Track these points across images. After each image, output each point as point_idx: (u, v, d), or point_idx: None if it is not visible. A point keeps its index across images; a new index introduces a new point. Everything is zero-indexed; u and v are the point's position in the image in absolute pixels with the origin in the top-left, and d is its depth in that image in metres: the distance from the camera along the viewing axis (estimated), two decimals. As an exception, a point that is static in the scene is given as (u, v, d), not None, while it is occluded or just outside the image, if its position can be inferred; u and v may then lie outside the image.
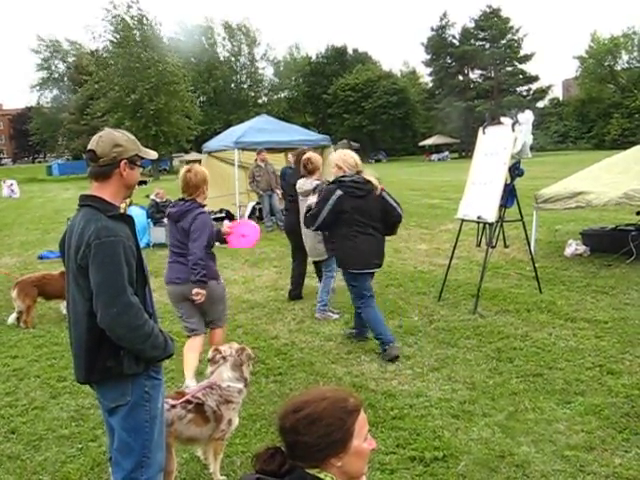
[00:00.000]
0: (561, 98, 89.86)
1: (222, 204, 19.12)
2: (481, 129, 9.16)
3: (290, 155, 15.93)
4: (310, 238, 8.45)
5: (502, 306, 8.54)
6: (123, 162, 3.31)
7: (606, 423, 5.00)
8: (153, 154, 3.57)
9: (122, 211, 3.47)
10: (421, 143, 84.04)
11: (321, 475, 2.19)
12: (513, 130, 8.37)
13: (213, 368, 4.66)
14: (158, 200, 15.86)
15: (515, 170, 8.64)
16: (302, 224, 8.03)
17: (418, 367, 6.51)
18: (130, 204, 16.12)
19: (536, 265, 9.35)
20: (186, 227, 5.98)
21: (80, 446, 5.13)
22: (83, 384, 3.58)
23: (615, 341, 6.91)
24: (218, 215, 19.25)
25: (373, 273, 7.22)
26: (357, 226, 6.82)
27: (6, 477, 4.70)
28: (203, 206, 6.15)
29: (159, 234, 15.35)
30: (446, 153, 77.97)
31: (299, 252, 9.35)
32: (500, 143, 8.62)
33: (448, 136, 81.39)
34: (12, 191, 42.47)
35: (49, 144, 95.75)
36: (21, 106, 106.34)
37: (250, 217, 19.05)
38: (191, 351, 6.22)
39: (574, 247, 11.60)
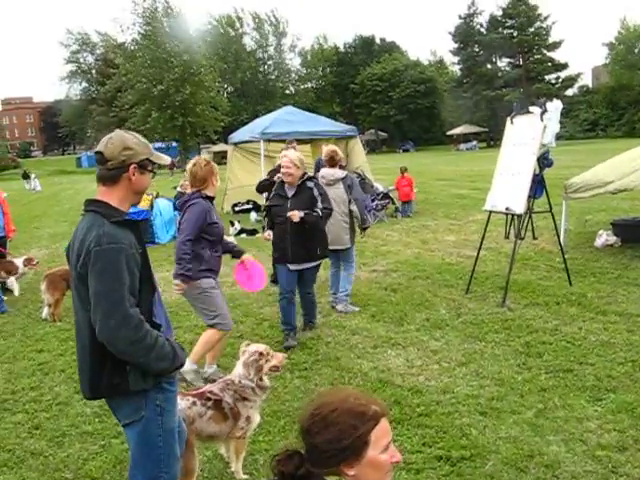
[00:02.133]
0: (591, 86, 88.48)
1: (249, 195, 19.11)
2: (509, 119, 8.98)
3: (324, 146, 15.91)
4: (337, 227, 8.33)
5: (531, 299, 8.40)
6: (132, 166, 3.13)
7: (639, 422, 4.86)
8: (166, 159, 3.40)
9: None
10: (449, 132, 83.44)
11: None
12: (542, 120, 8.20)
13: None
14: (185, 192, 15.85)
15: (544, 160, 8.48)
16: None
17: (445, 362, 6.41)
18: (157, 196, 16.16)
19: (566, 256, 9.20)
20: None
21: (103, 443, 5.11)
22: (90, 400, 3.46)
23: (648, 335, 6.75)
24: (245, 207, 19.29)
25: None
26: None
27: (29, 474, 4.70)
28: (207, 197, 6.08)
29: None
30: (474, 142, 77.26)
31: None
32: (529, 133, 8.45)
33: (476, 125, 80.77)
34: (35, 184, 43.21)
35: (78, 136, 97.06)
36: (50, 99, 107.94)
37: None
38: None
39: (605, 238, 11.40)
